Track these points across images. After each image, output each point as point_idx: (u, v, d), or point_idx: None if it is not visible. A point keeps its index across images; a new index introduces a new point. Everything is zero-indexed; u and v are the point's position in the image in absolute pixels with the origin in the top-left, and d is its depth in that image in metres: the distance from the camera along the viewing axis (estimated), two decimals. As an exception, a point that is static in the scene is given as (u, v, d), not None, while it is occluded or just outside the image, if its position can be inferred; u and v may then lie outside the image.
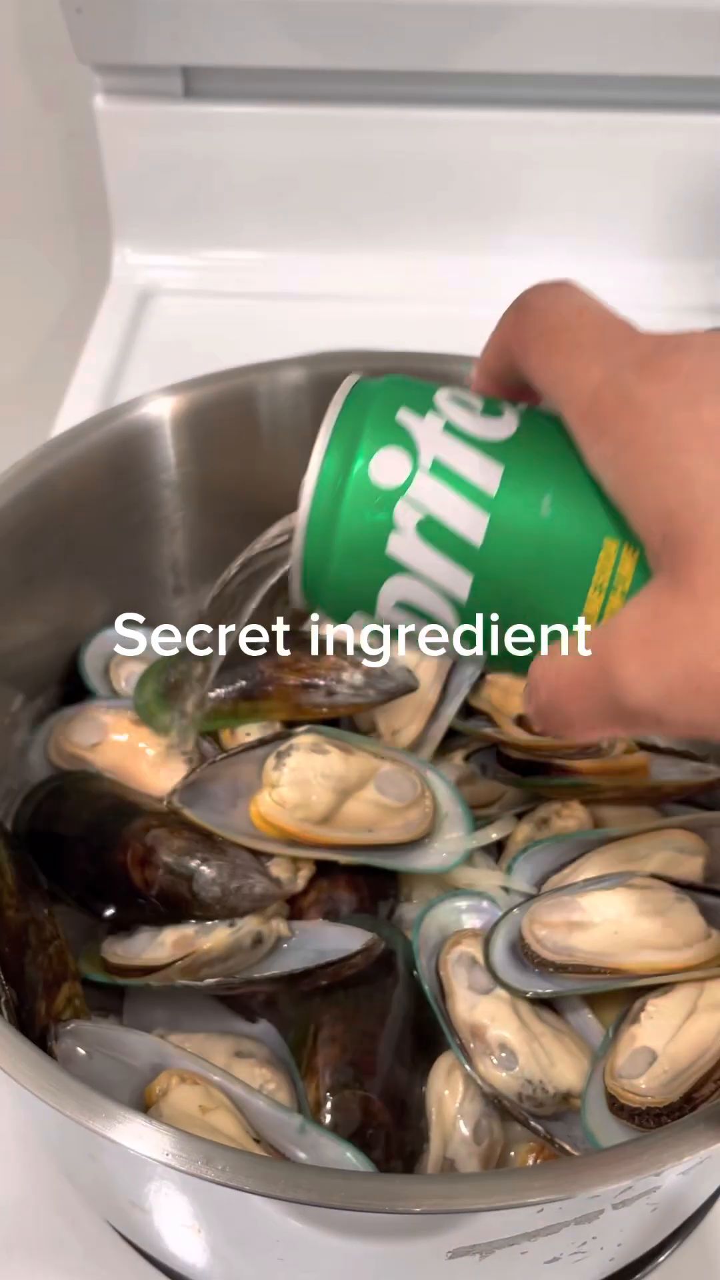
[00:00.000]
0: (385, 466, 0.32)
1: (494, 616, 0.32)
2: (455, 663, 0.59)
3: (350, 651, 0.55)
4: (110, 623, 0.58)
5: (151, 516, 0.56)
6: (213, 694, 0.54)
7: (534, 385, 0.31)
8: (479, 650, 0.33)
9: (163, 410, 0.54)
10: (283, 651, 0.54)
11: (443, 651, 0.34)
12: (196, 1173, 0.28)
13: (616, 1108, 0.42)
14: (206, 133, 0.92)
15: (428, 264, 0.95)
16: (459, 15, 0.82)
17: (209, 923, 0.47)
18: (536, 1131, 0.43)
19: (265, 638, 0.55)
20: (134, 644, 0.58)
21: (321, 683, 0.54)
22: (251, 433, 0.56)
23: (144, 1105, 0.42)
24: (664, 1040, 0.43)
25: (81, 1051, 0.43)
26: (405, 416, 0.33)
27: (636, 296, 0.94)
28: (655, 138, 0.90)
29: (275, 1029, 0.47)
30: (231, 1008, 0.48)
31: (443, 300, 0.93)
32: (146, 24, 0.84)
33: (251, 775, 0.52)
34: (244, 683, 0.54)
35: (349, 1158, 0.41)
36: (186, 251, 0.97)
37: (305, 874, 0.50)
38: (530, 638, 0.32)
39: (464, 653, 0.33)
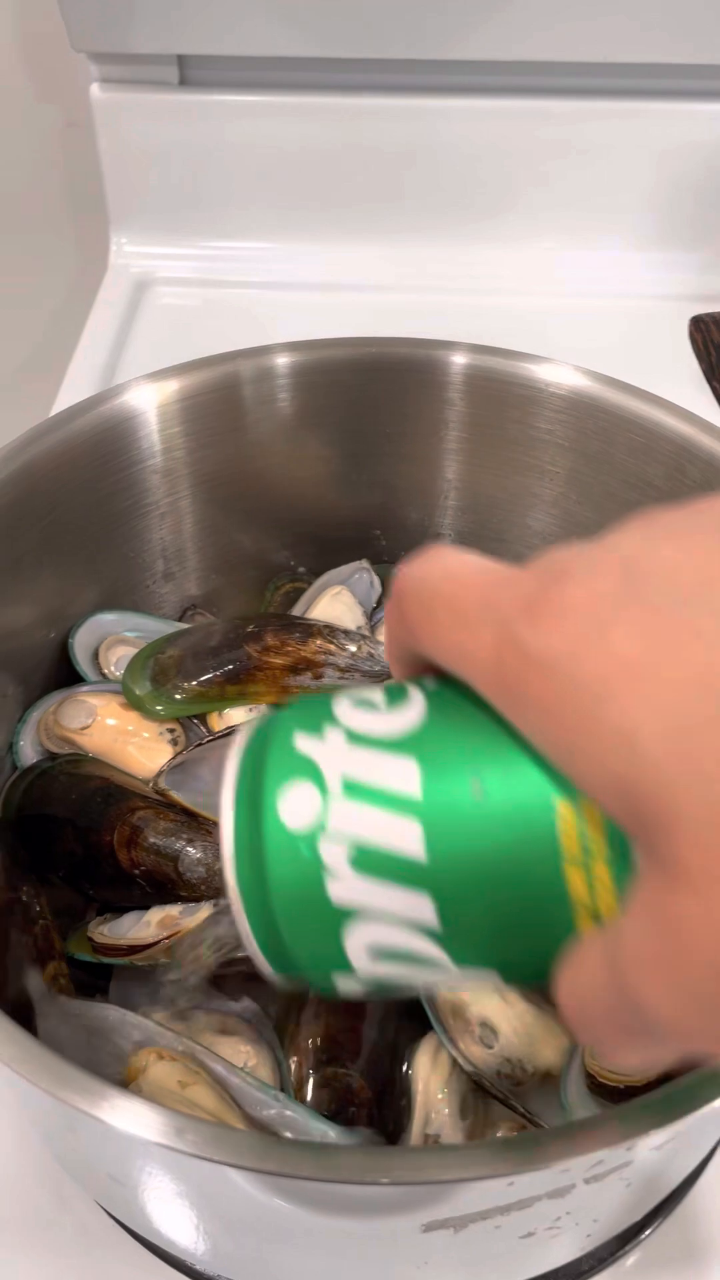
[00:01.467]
0: (294, 805, 0.27)
1: (481, 934, 0.27)
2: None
3: (337, 635, 0.55)
4: (100, 608, 0.58)
5: (140, 502, 0.57)
6: (199, 678, 0.54)
7: (440, 666, 0.28)
8: (490, 978, 0.28)
9: (148, 396, 0.54)
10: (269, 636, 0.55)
11: (455, 987, 0.29)
12: (168, 1143, 0.29)
13: (595, 1087, 0.43)
14: (202, 122, 0.92)
15: (424, 252, 0.95)
16: (455, 3, 0.82)
17: (194, 904, 0.47)
18: (515, 1109, 0.43)
19: (253, 624, 0.56)
20: (123, 629, 0.58)
21: (308, 665, 0.55)
22: (238, 418, 0.57)
23: (125, 1081, 0.42)
24: (644, 1020, 0.44)
25: (65, 1028, 0.43)
26: (303, 742, 0.28)
27: (631, 285, 0.94)
28: (651, 126, 0.90)
29: (259, 1007, 0.48)
30: (217, 986, 0.48)
31: (439, 289, 0.93)
32: (141, 13, 0.84)
33: (238, 758, 0.52)
34: (231, 666, 0.54)
35: (330, 1135, 0.41)
36: (183, 241, 0.97)
37: (291, 856, 0.51)
38: (535, 943, 0.27)
39: (477, 983, 0.28)
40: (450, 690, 0.28)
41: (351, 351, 0.56)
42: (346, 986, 0.29)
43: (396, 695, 0.29)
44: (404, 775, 0.27)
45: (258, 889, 0.27)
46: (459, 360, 0.56)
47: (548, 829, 0.25)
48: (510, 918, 0.26)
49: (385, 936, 0.27)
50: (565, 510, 0.59)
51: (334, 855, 0.27)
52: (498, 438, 0.58)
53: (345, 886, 0.27)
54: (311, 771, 0.27)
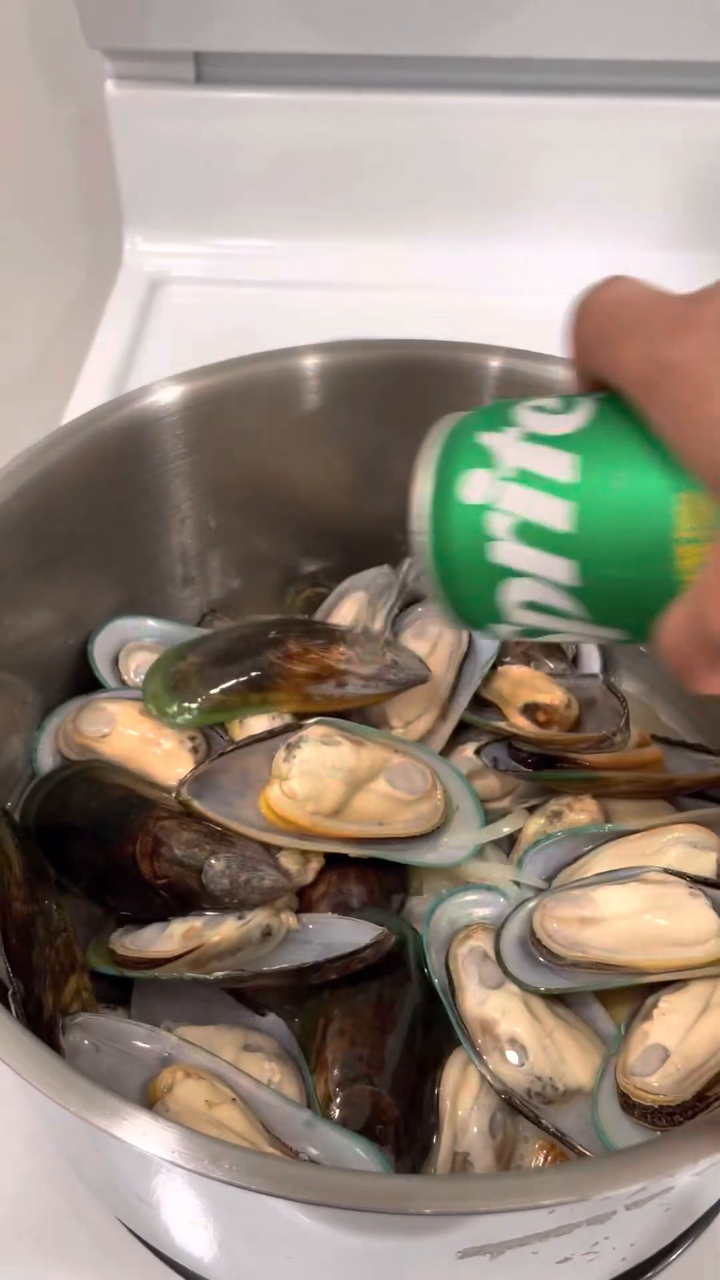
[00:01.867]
0: (472, 486, 0.35)
1: (611, 595, 0.35)
2: (468, 653, 0.58)
3: (362, 643, 0.55)
4: (120, 613, 0.58)
5: (160, 506, 0.56)
6: (221, 686, 0.53)
7: (604, 379, 0.34)
8: (614, 635, 0.36)
9: (170, 399, 0.53)
10: (293, 643, 0.54)
11: (581, 639, 0.38)
12: (204, 1171, 0.28)
13: (628, 1106, 0.42)
14: (218, 119, 0.91)
15: (441, 251, 0.94)
16: (473, 1, 0.81)
17: (218, 915, 0.47)
18: (545, 1129, 0.42)
19: (275, 630, 0.55)
20: (143, 634, 0.58)
21: (332, 674, 0.54)
22: (260, 421, 0.56)
23: (150, 1100, 0.41)
24: (677, 1037, 0.43)
25: (89, 1044, 0.42)
26: (485, 437, 0.36)
27: (658, 285, 0.93)
28: (666, 124, 0.89)
29: (284, 1022, 0.47)
30: (241, 1000, 0.47)
31: (456, 288, 0.92)
32: (157, 9, 0.83)
33: (261, 767, 0.51)
34: (253, 674, 0.53)
35: (358, 1152, 0.41)
36: (197, 239, 0.96)
37: (315, 866, 0.50)
38: (651, 603, 0.33)
39: (602, 635, 0.36)
40: (612, 405, 0.34)
41: (379, 354, 0.55)
42: (504, 631, 0.38)
43: (569, 404, 0.36)
44: (564, 466, 0.34)
45: (441, 549, 0.36)
46: (493, 364, 0.55)
47: (665, 515, 0.32)
48: (634, 581, 0.34)
49: (533, 593, 0.36)
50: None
51: (500, 525, 0.35)
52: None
53: (506, 550, 0.35)
54: (488, 461, 0.36)
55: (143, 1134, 0.29)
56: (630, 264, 0.94)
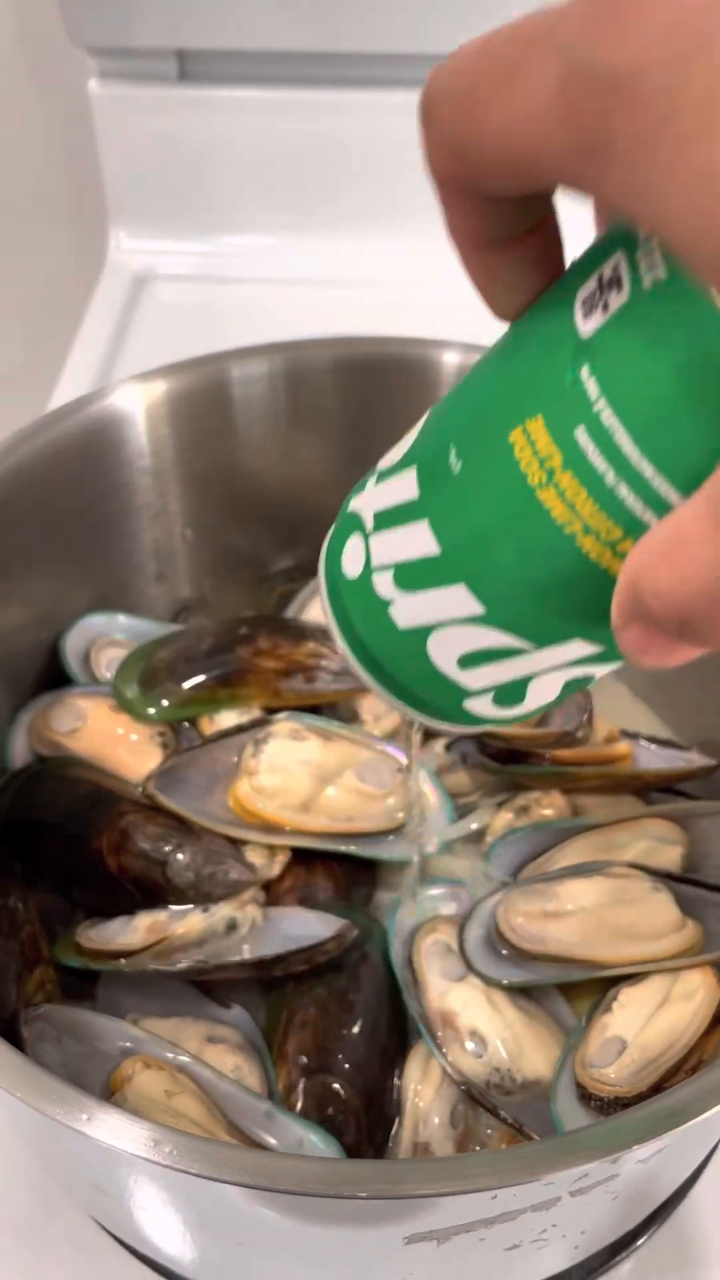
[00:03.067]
0: (350, 558, 0.30)
1: (524, 601, 0.27)
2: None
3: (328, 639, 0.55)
4: (91, 609, 0.58)
5: (130, 503, 0.56)
6: (190, 681, 0.54)
7: (500, 189, 0.24)
8: (580, 648, 0.28)
9: (136, 397, 0.54)
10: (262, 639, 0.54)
11: (571, 674, 0.30)
12: (147, 1156, 0.28)
13: (585, 1097, 0.42)
14: (202, 116, 0.91)
15: (426, 249, 0.93)
16: (455, -3, 0.82)
17: (182, 908, 0.47)
18: (504, 1119, 0.42)
19: (246, 627, 0.55)
20: (114, 630, 0.58)
21: (301, 669, 0.54)
22: (228, 419, 0.56)
23: (110, 1090, 0.42)
24: (635, 1029, 0.43)
25: (51, 1034, 0.43)
26: (353, 502, 0.31)
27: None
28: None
29: (249, 1015, 0.47)
30: (206, 993, 0.48)
31: (442, 284, 0.92)
32: (140, 6, 0.84)
33: (229, 762, 0.52)
34: (222, 669, 0.54)
35: (315, 1141, 0.41)
36: (183, 236, 0.96)
37: (281, 860, 0.50)
38: (568, 584, 0.27)
39: (571, 659, 0.29)
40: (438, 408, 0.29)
41: (341, 351, 0.56)
42: (481, 709, 0.31)
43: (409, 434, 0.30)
44: (406, 484, 0.29)
45: (357, 644, 0.31)
46: (452, 359, 0.55)
47: (509, 463, 0.26)
48: (530, 570, 0.27)
49: (460, 642, 0.29)
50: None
51: (384, 585, 0.29)
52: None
53: (403, 609, 0.29)
54: (356, 523, 0.30)
55: (91, 1122, 0.29)
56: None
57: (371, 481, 0.31)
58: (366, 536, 0.30)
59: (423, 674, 0.30)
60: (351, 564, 0.30)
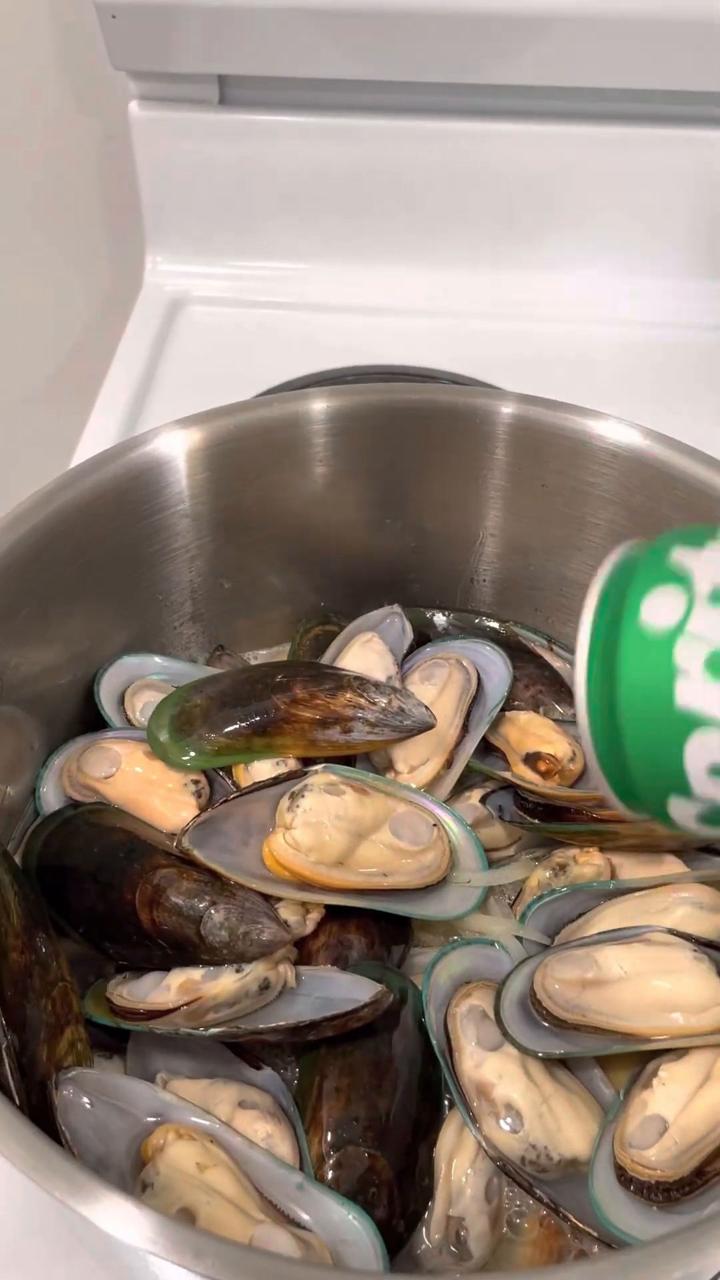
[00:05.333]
0: (658, 607, 0.28)
1: None
2: (476, 697, 0.58)
3: (368, 687, 0.54)
4: (127, 650, 0.58)
5: (168, 546, 0.56)
6: (226, 729, 0.53)
7: None
8: None
9: (177, 443, 0.53)
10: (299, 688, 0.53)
11: None
12: (185, 1265, 0.28)
13: (624, 1179, 0.41)
14: (241, 141, 0.91)
15: (463, 278, 0.94)
16: (496, 28, 0.81)
17: (215, 968, 0.46)
18: (539, 1199, 0.42)
19: (282, 674, 0.54)
20: (149, 672, 0.57)
21: (338, 720, 0.53)
22: (269, 463, 0.56)
23: (141, 1159, 0.41)
24: (676, 1109, 0.42)
25: (84, 1100, 0.42)
26: (680, 554, 0.29)
27: (675, 315, 0.92)
28: (688, 153, 0.88)
29: (279, 1077, 0.47)
30: (237, 1053, 0.47)
31: (477, 314, 0.92)
32: (182, 31, 0.83)
33: (264, 814, 0.51)
34: (258, 718, 0.53)
35: (350, 1220, 0.40)
36: (218, 260, 0.96)
37: (315, 917, 0.49)
38: None
39: None
40: None
41: (389, 398, 0.55)
42: (681, 814, 0.29)
43: None
44: None
45: (606, 687, 0.28)
46: (505, 410, 0.55)
47: None
48: None
49: None
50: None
51: (689, 656, 0.27)
52: (537, 487, 0.57)
53: (696, 690, 0.26)
54: (681, 578, 0.28)
55: (122, 1221, 0.29)
56: (654, 292, 0.93)
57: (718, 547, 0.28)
58: (692, 598, 0.27)
59: (659, 756, 0.28)
60: (655, 613, 0.28)
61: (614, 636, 0.28)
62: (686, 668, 0.27)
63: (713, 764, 0.27)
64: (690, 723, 0.27)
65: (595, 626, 0.29)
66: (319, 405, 0.54)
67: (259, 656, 0.64)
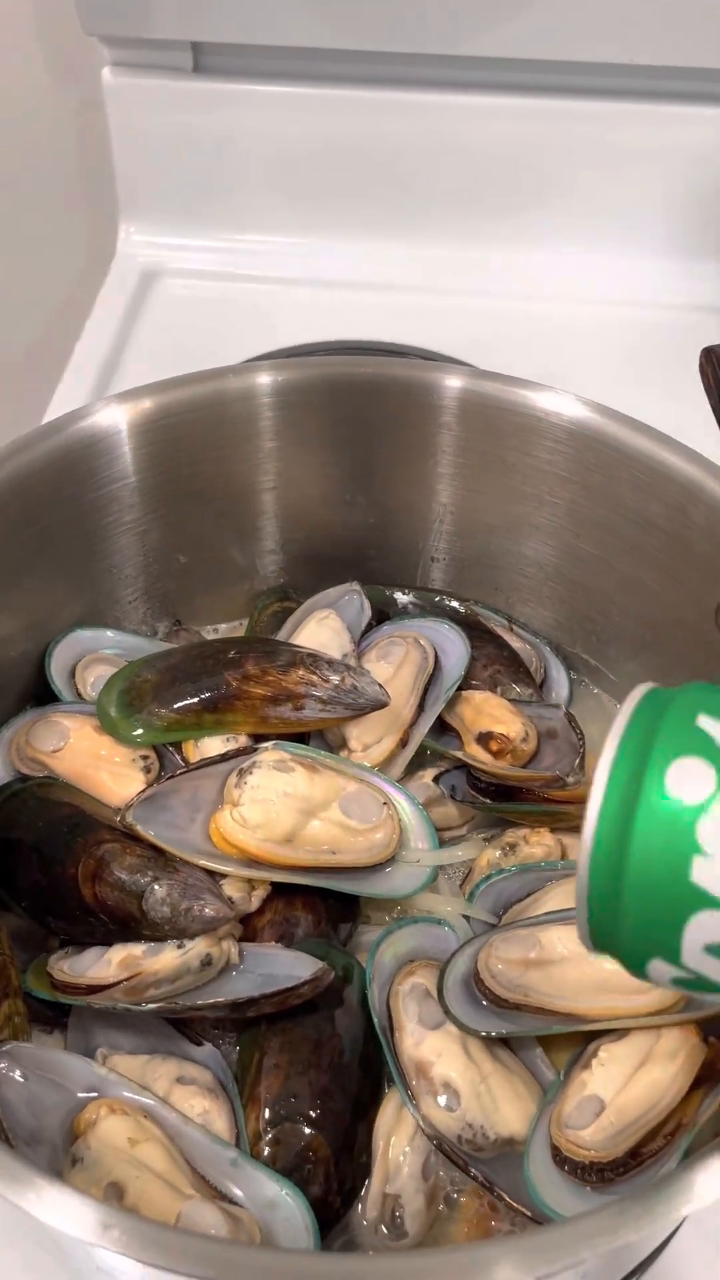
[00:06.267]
0: (684, 778, 0.27)
1: None
2: (433, 676, 0.57)
3: (320, 664, 0.54)
4: (80, 623, 0.57)
5: (120, 519, 0.55)
6: (176, 704, 0.53)
7: None
8: None
9: (120, 415, 0.52)
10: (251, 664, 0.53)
11: None
12: (93, 1241, 0.27)
13: (559, 1159, 0.41)
14: (216, 110, 0.89)
15: (439, 252, 0.93)
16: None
17: (157, 944, 0.46)
18: (474, 1178, 0.42)
19: (235, 650, 0.54)
20: (102, 646, 0.57)
21: (290, 696, 0.53)
22: (223, 436, 0.55)
23: (73, 1133, 0.41)
24: (614, 1089, 0.42)
25: (18, 1075, 0.42)
26: (707, 722, 0.28)
27: (650, 294, 0.92)
28: (675, 129, 0.87)
29: (220, 1053, 0.46)
30: (178, 1028, 0.47)
31: (453, 290, 0.91)
32: (156, -4, 0.82)
33: (212, 790, 0.51)
34: (209, 694, 0.53)
35: (284, 1196, 0.40)
36: (193, 232, 0.95)
37: (260, 894, 0.49)
38: None
39: None
40: None
41: (341, 370, 0.54)
42: (659, 974, 0.28)
43: None
44: None
45: (615, 847, 0.27)
46: (454, 384, 0.54)
47: None
48: None
49: None
50: (563, 541, 0.58)
51: (711, 838, 0.26)
52: (495, 464, 0.56)
53: (713, 870, 0.26)
54: (711, 751, 0.27)
55: (41, 1201, 0.28)
56: (634, 271, 0.93)
57: None
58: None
59: (657, 923, 0.27)
60: (681, 784, 0.27)
61: (633, 796, 0.27)
62: (708, 848, 0.27)
63: (712, 943, 0.27)
64: (700, 900, 0.27)
65: (612, 781, 0.28)
66: (266, 379, 0.53)
67: (218, 631, 0.63)
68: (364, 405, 0.55)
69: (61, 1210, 0.28)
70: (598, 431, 0.52)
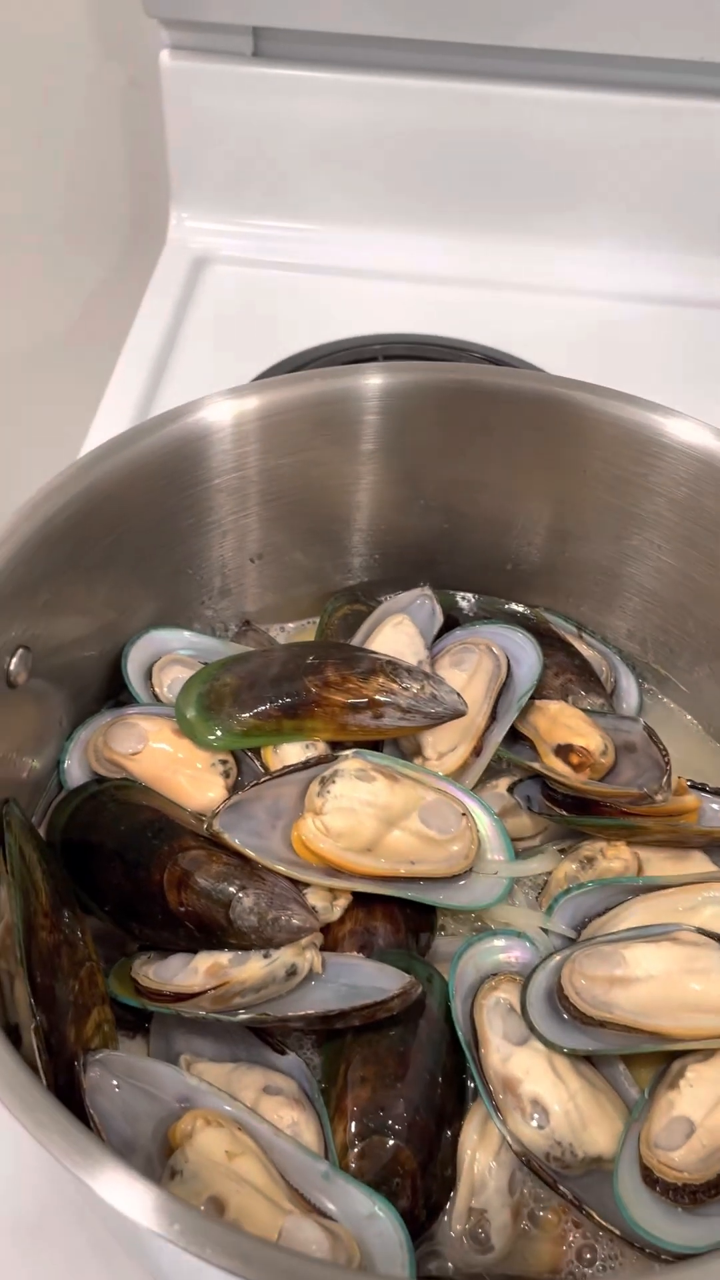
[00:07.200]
0: None
1: None
2: (505, 683, 0.57)
3: (400, 672, 0.53)
4: (156, 624, 0.57)
5: (203, 520, 0.55)
6: (255, 710, 0.52)
7: None
8: None
9: (222, 414, 0.52)
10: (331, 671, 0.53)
11: None
12: (198, 1254, 0.27)
13: (650, 1180, 0.41)
14: (273, 96, 0.88)
15: (491, 246, 0.92)
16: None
17: (243, 952, 0.46)
18: (563, 1195, 0.42)
19: (314, 655, 0.54)
20: (177, 647, 0.57)
21: (368, 703, 0.53)
22: (313, 438, 0.54)
23: (169, 1145, 0.41)
24: (703, 1111, 0.42)
25: (111, 1082, 0.42)
26: None
27: (711, 291, 0.91)
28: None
29: (303, 1062, 0.46)
30: (261, 1037, 0.47)
31: (503, 285, 0.90)
32: (219, -21, 0.81)
33: (293, 798, 0.51)
34: (289, 699, 0.52)
35: (378, 1212, 0.40)
36: (245, 219, 0.94)
37: (342, 904, 0.49)
38: None
39: None
40: None
41: (439, 376, 0.54)
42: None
43: None
44: None
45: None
46: (552, 393, 0.53)
47: None
48: None
49: None
50: (643, 553, 0.57)
51: None
52: (579, 473, 0.56)
53: None
54: None
55: (151, 1212, 0.28)
56: (687, 269, 0.91)
57: None
58: None
59: None
60: None
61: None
62: None
63: None
64: None
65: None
66: (374, 381, 0.53)
67: (286, 630, 0.63)
68: (453, 411, 0.54)
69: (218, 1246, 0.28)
70: (687, 445, 0.52)
